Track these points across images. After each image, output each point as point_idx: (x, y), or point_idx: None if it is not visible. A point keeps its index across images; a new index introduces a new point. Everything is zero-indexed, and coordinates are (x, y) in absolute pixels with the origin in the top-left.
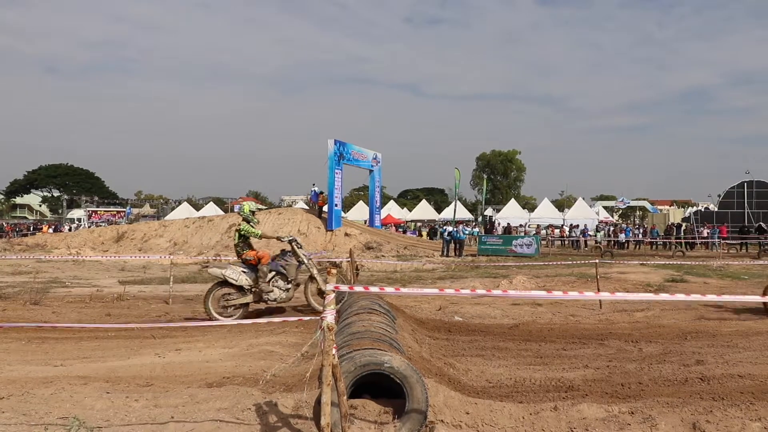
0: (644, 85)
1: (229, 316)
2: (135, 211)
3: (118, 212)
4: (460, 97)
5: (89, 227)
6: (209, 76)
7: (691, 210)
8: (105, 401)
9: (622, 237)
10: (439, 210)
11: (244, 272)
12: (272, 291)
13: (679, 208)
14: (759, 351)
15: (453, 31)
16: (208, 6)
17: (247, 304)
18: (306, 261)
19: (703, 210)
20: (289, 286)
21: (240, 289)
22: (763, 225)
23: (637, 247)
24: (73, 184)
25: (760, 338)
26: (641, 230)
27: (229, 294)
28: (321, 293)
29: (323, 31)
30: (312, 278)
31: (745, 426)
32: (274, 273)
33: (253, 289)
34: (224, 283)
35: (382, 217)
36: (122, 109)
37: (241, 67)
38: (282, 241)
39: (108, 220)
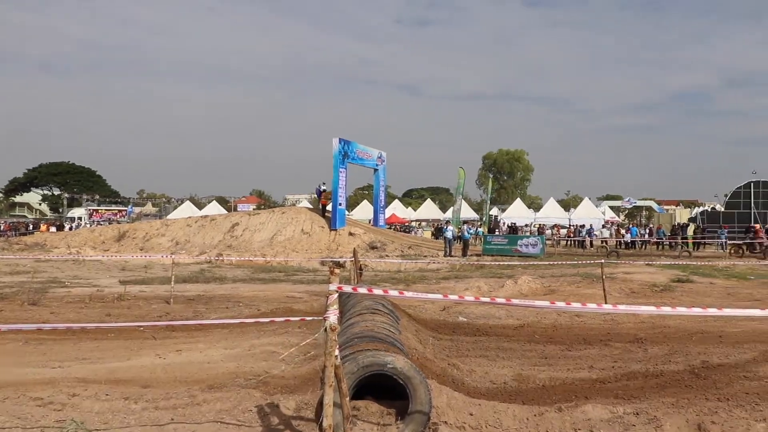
0: (650, 85)
1: None
2: (137, 209)
3: (120, 211)
4: (465, 97)
5: (90, 226)
6: (211, 76)
7: (697, 210)
8: (104, 403)
9: (628, 237)
10: (444, 209)
11: None
12: None
13: (685, 208)
14: (764, 352)
15: (455, 32)
16: (210, 7)
17: None
18: None
19: (709, 210)
20: None
21: None
22: None
23: (644, 247)
24: (74, 183)
25: (765, 339)
26: (647, 230)
27: None
28: None
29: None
30: None
31: (750, 427)
32: None
33: None
34: None
35: (386, 217)
36: (125, 108)
37: (242, 68)
38: None
39: (109, 219)
